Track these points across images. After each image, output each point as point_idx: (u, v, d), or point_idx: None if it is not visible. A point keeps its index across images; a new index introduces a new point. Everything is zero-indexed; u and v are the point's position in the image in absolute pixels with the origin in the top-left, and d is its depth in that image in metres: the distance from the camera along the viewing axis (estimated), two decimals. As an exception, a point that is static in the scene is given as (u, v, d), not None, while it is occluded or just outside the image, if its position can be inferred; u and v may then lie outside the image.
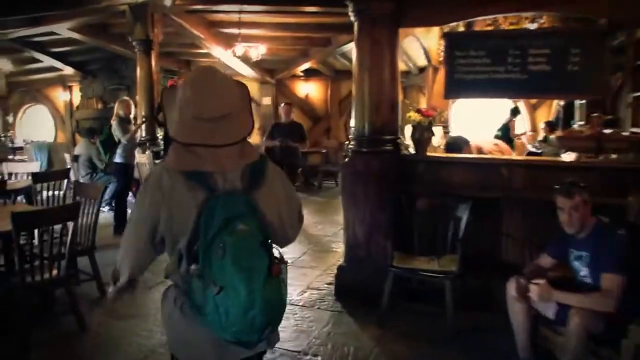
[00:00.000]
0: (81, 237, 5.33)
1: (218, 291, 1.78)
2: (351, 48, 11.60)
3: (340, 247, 6.74)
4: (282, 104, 9.48)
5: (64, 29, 11.85)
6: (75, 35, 12.41)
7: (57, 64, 15.32)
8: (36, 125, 18.14)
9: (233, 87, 2.05)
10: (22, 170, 7.94)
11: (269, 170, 2.08)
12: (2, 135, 13.10)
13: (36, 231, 4.72)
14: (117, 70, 15.03)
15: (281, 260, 1.94)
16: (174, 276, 2.02)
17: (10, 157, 12.79)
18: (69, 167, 7.62)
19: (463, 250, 4.59)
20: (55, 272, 4.40)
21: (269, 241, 1.93)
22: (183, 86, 2.01)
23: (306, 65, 13.82)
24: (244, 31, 11.01)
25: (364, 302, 5.04)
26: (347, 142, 12.98)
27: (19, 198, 7.47)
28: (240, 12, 10.44)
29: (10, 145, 14.36)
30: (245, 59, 11.87)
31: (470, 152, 6.48)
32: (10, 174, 7.92)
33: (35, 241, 4.79)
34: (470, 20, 6.09)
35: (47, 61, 15.19)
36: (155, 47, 10.14)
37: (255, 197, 1.96)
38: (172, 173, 1.95)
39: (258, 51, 10.93)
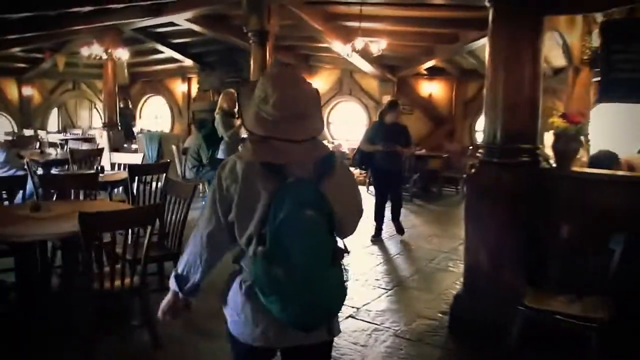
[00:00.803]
0: (168, 240, 4.85)
1: (282, 272, 1.88)
2: (480, 45, 10.81)
3: (458, 267, 5.91)
4: (388, 101, 8.16)
5: (182, 20, 11.76)
6: (194, 27, 12.33)
7: (177, 55, 15.41)
8: (155, 115, 18.48)
9: (310, 88, 2.14)
10: (126, 161, 7.65)
11: (338, 162, 2.15)
12: (118, 124, 13.11)
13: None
14: (234, 62, 14.82)
15: (345, 250, 2.11)
16: (241, 259, 2.08)
17: (126, 146, 12.87)
18: (168, 160, 7.20)
19: (616, 292, 3.64)
20: (128, 279, 3.90)
21: (334, 230, 2.06)
22: (263, 83, 2.09)
23: (430, 63, 12.89)
24: (364, 24, 10.30)
25: (483, 341, 4.16)
26: (470, 147, 12.17)
27: (117, 191, 7.20)
28: (361, 3, 9.78)
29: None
30: (365, 54, 11.12)
31: (620, 170, 5.40)
32: (114, 165, 7.68)
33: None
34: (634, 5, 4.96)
35: (167, 52, 15.32)
36: (270, 39, 9.62)
37: (323, 187, 2.02)
38: (246, 163, 2.03)
39: (379, 46, 10.14)
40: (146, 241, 3.79)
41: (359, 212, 2.30)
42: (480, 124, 13.96)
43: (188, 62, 16.01)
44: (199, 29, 12.61)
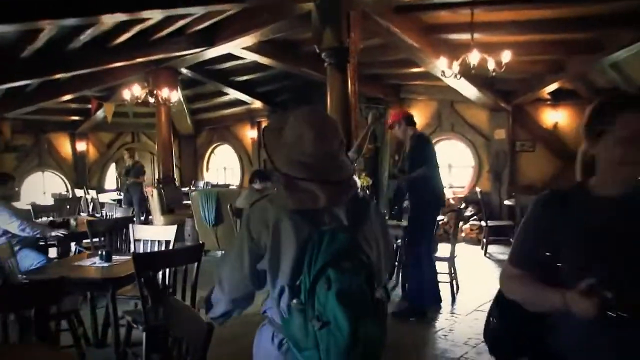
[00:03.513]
0: None
1: (320, 326, 1.75)
2: (632, 53, 7.86)
3: None
4: None
5: (242, 49, 9.54)
6: (258, 58, 10.14)
7: (243, 96, 13.25)
8: (224, 166, 16.45)
9: (339, 128, 2.10)
10: (154, 236, 5.25)
11: (371, 208, 2.06)
12: (174, 179, 10.90)
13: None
14: (308, 98, 12.44)
15: (385, 299, 1.98)
16: (271, 311, 1.98)
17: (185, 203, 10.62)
18: (202, 242, 4.65)
19: None
20: None
21: (373, 279, 1.90)
22: (295, 123, 1.99)
23: (556, 84, 10.06)
24: (476, 36, 7.61)
25: None
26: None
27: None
28: (472, 2, 7.14)
29: (187, 189, 12.38)
30: (477, 75, 8.30)
31: None
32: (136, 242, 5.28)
33: None
34: None
35: (232, 94, 13.22)
36: (352, 60, 7.11)
37: (359, 234, 1.93)
38: (278, 208, 1.92)
39: (501, 59, 7.30)
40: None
41: (392, 257, 2.27)
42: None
43: (257, 104, 13.81)
44: (264, 61, 10.38)
